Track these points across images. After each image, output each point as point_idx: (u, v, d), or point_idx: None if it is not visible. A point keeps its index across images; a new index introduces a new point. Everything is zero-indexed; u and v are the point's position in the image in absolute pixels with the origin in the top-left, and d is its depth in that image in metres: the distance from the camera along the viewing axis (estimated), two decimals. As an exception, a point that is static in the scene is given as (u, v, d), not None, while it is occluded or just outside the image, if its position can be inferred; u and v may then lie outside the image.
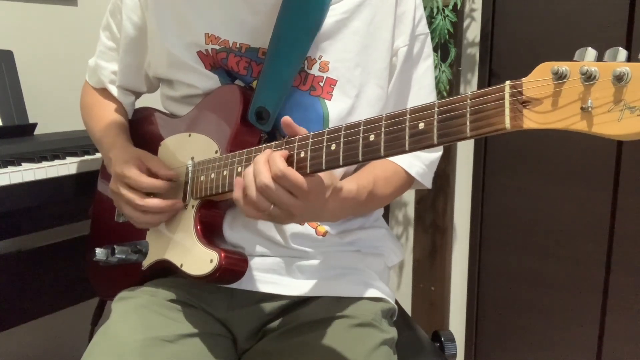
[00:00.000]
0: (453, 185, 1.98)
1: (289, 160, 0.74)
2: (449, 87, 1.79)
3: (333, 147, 0.70)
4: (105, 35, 1.08)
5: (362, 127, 0.68)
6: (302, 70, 0.91)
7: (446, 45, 1.75)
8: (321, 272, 0.94)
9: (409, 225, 2.08)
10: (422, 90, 0.97)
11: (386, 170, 0.94)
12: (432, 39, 1.70)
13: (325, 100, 0.91)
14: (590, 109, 0.50)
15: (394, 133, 0.65)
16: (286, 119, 0.75)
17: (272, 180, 0.71)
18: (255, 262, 0.92)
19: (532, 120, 0.54)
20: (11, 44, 1.44)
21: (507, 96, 0.56)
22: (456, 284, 2.04)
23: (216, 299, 0.93)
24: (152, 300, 0.91)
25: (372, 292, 0.95)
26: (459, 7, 1.71)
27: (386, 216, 1.11)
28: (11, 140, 1.32)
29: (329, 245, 0.95)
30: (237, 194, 0.75)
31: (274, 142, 0.78)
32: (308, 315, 0.90)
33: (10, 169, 1.10)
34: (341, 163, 0.70)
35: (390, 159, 0.94)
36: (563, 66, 0.52)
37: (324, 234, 0.93)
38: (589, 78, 0.50)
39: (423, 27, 0.97)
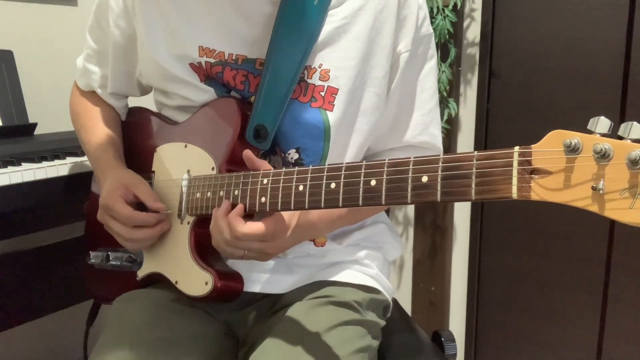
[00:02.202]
0: (453, 185, 1.97)
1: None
2: (449, 87, 1.79)
3: (333, 185, 0.69)
4: (92, 37, 1.03)
5: (363, 170, 0.67)
6: (302, 80, 0.88)
7: (446, 45, 1.75)
8: (320, 267, 0.95)
9: (409, 225, 2.08)
10: (424, 92, 0.95)
11: None
12: (432, 39, 1.70)
13: (327, 112, 0.88)
14: (601, 192, 0.49)
15: (396, 182, 0.63)
16: (247, 152, 0.78)
17: (234, 237, 0.77)
18: (255, 263, 0.92)
19: (539, 195, 0.52)
20: (11, 44, 1.44)
21: (515, 163, 0.54)
22: (456, 284, 2.04)
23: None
24: (155, 301, 0.90)
25: (363, 280, 0.95)
26: (459, 7, 1.71)
27: (386, 212, 1.11)
28: (11, 140, 1.31)
29: (328, 249, 0.95)
30: (213, 242, 0.82)
31: (272, 171, 0.78)
32: (294, 296, 0.91)
33: (10, 169, 1.09)
34: (340, 204, 0.69)
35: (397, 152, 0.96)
36: (575, 138, 0.50)
37: (323, 244, 0.93)
38: (602, 157, 0.48)
39: (427, 28, 0.93)
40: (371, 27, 0.88)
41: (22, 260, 1.42)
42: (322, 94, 0.88)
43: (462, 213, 1.99)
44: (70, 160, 1.20)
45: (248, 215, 0.81)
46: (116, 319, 0.89)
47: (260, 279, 0.92)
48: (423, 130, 0.95)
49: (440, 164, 0.60)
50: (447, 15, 1.70)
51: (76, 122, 1.09)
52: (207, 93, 0.92)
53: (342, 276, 0.93)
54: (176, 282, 0.89)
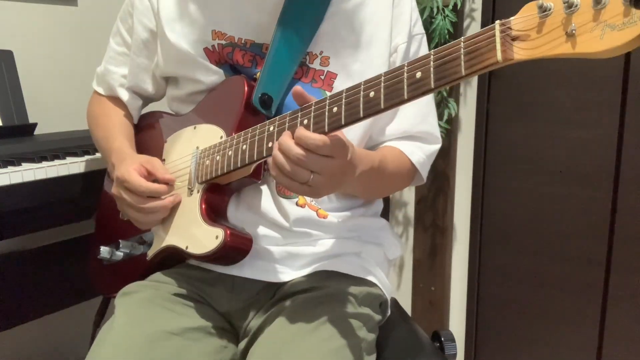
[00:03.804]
0: (453, 185, 1.98)
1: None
2: (449, 88, 1.79)
3: (335, 109, 0.73)
4: (115, 42, 1.10)
5: (362, 87, 0.71)
6: (304, 64, 0.95)
7: (446, 45, 1.75)
8: (320, 258, 0.96)
9: (409, 225, 2.08)
10: None
11: (393, 150, 0.98)
12: (432, 39, 1.70)
13: (327, 92, 0.95)
14: (573, 32, 0.54)
15: (393, 86, 0.68)
16: (297, 88, 0.77)
17: (303, 150, 0.73)
18: (257, 251, 0.93)
19: (521, 48, 0.58)
20: (11, 44, 1.44)
21: (497, 33, 0.59)
22: (456, 284, 2.04)
23: (217, 292, 0.94)
24: (155, 294, 0.92)
25: (360, 273, 0.96)
26: (459, 7, 1.71)
27: (386, 216, 1.12)
28: (11, 140, 1.32)
29: (330, 231, 0.96)
30: (273, 172, 0.76)
31: (277, 117, 0.81)
32: (291, 287, 0.92)
33: (10, 169, 1.09)
34: (343, 122, 0.72)
35: (395, 145, 0.99)
36: (548, 2, 0.57)
37: (325, 217, 0.95)
38: (570, 6, 0.55)
39: (419, 28, 1.01)
40: (369, 22, 0.96)
41: (23, 260, 1.42)
42: (322, 77, 0.96)
43: (462, 213, 1.99)
44: (70, 160, 1.21)
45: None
46: (116, 311, 0.90)
47: (263, 267, 0.93)
48: (422, 120, 1.01)
49: (432, 56, 0.65)
50: (447, 15, 1.70)
51: (92, 124, 1.14)
52: (216, 74, 0.98)
53: (341, 267, 0.95)
54: (186, 247, 0.91)
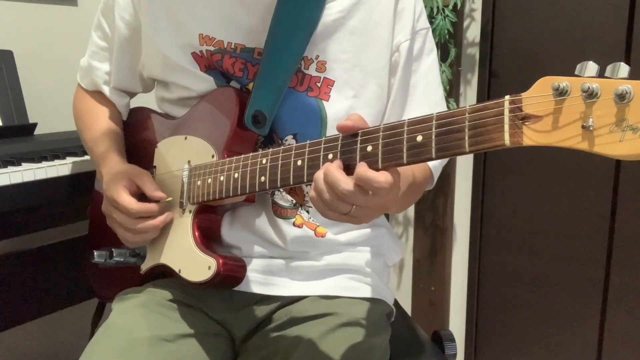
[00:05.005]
0: (453, 185, 1.98)
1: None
2: (449, 87, 1.79)
3: (330, 156, 0.70)
4: (97, 35, 1.04)
5: (359, 138, 0.67)
6: (299, 70, 0.89)
7: (446, 45, 1.75)
8: (319, 272, 0.94)
9: (409, 225, 2.08)
10: (429, 86, 0.96)
11: None
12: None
13: (323, 101, 0.90)
14: (591, 128, 0.49)
15: (392, 145, 0.64)
16: (348, 122, 0.68)
17: (352, 185, 0.65)
18: (253, 264, 0.92)
19: (531, 138, 0.53)
20: (11, 44, 1.44)
21: (506, 112, 0.55)
22: (456, 284, 2.04)
23: (214, 300, 0.93)
24: (151, 299, 0.91)
25: (367, 292, 0.95)
26: (459, 7, 1.71)
27: (386, 216, 1.11)
28: (11, 140, 1.31)
29: (327, 246, 0.94)
30: (312, 193, 0.69)
31: (270, 150, 0.78)
32: (299, 311, 0.90)
33: (10, 169, 1.09)
34: None
35: None
36: (564, 82, 0.51)
37: (323, 235, 0.93)
38: (590, 95, 0.49)
39: (424, 22, 0.95)
40: (367, 21, 0.90)
41: (23, 260, 1.42)
42: (319, 84, 0.90)
43: (462, 213, 1.99)
44: (70, 160, 1.20)
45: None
46: (112, 314, 0.90)
47: (259, 280, 0.92)
48: None
49: (434, 122, 0.60)
50: (447, 15, 1.70)
51: (79, 122, 1.10)
52: (206, 82, 0.93)
53: (345, 289, 0.93)
54: (179, 271, 0.89)
